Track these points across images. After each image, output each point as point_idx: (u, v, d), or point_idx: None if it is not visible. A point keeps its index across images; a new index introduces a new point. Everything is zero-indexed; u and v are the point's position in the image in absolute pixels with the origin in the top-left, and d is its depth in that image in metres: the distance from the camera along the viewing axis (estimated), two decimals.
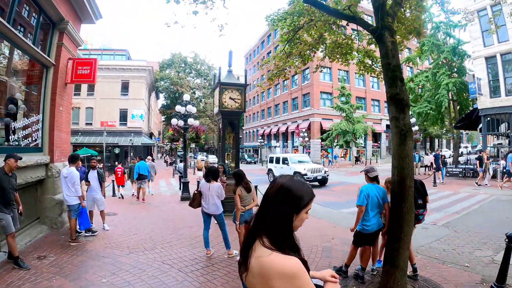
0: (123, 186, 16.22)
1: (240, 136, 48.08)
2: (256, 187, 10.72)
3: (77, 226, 7.50)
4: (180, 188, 18.77)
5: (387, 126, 48.18)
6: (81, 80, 8.93)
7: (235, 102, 10.38)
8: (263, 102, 58.86)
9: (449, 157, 40.70)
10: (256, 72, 55.70)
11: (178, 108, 13.95)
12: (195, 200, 6.53)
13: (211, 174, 6.39)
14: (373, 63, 9.99)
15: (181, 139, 15.76)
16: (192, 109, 13.94)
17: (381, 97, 48.04)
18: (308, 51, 9.10)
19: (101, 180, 8.63)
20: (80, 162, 15.91)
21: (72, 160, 7.38)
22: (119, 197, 15.43)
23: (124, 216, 10.61)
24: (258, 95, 60.02)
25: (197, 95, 52.09)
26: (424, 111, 27.67)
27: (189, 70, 51.30)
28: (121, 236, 7.84)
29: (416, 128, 23.22)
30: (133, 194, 15.56)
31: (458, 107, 28.19)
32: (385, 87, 5.69)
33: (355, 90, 41.93)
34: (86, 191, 8.66)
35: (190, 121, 13.94)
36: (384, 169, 30.70)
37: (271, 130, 53.97)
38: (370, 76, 10.34)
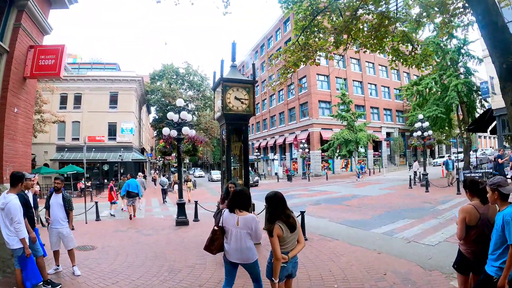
0: (113, 203, 15.66)
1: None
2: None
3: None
4: (164, 201, 20.71)
5: (388, 134, 46.68)
6: (43, 73, 6.82)
7: (242, 103, 8.32)
8: (258, 114, 57.14)
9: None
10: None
11: (170, 115, 11.73)
12: (216, 241, 4.11)
13: (238, 200, 4.07)
14: (413, 49, 8.10)
15: (175, 152, 13.50)
16: (187, 116, 11.75)
17: (380, 105, 46.86)
18: (342, 34, 7.17)
19: (68, 207, 6.35)
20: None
21: (13, 181, 4.85)
22: (112, 215, 15.02)
23: (104, 250, 8.41)
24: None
25: (190, 108, 49.97)
26: (433, 115, 26.11)
27: (182, 81, 49.20)
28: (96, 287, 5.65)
29: (430, 132, 21.46)
30: (122, 209, 15.64)
31: (466, 109, 26.67)
32: (491, 58, 3.75)
33: (353, 98, 40.25)
34: (47, 225, 6.45)
35: (185, 130, 11.69)
36: (390, 178, 29.17)
37: (267, 142, 52.17)
38: (405, 65, 8.41)
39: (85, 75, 38.62)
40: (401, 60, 8.45)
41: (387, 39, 7.75)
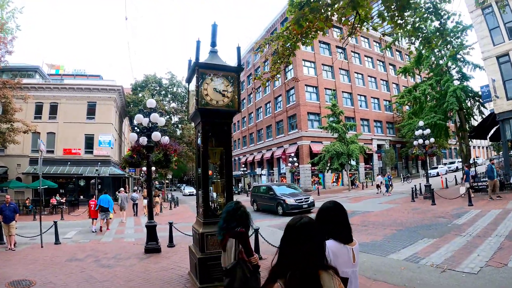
0: (95, 218, 15.88)
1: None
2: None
3: None
4: (134, 214, 22.55)
5: (379, 146, 45.35)
6: None
7: (223, 96, 6.38)
8: (245, 128, 55.45)
9: (445, 173, 37.90)
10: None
11: (139, 118, 9.62)
12: None
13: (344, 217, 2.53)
14: (442, 24, 6.37)
15: (143, 164, 11.32)
16: (158, 119, 9.56)
17: (370, 116, 45.75)
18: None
19: None
20: (8, 197, 11.98)
21: None
22: (93, 231, 15.34)
23: None
24: (238, 120, 56.58)
25: (173, 121, 47.96)
26: (432, 122, 24.63)
27: (165, 92, 47.20)
28: None
29: (432, 140, 19.92)
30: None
31: (464, 116, 25.39)
32: None
33: (343, 110, 38.84)
34: None
35: (155, 135, 9.51)
36: (385, 191, 27.38)
37: (254, 157, 50.22)
38: (427, 48, 6.68)
39: (61, 83, 36.22)
40: (423, 41, 6.73)
41: (409, 12, 6.01)
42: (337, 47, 43.80)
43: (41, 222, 11.78)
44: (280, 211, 18.29)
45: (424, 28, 6.65)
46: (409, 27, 6.49)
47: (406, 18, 6.19)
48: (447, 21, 6.51)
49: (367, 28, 7.53)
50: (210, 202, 6.31)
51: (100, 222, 15.71)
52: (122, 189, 22.96)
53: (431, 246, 8.32)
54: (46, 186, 27.35)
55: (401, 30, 6.67)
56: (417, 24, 6.51)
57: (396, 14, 5.84)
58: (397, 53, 52.46)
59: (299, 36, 7.18)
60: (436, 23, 6.61)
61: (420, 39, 6.82)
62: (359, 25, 7.00)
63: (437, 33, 6.44)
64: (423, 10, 6.32)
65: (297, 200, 18.10)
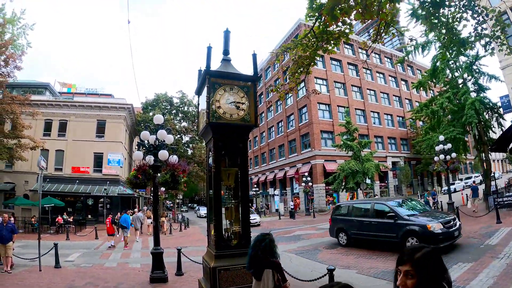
0: (112, 235, 17.85)
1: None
2: None
3: None
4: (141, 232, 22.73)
5: (393, 163, 44.12)
6: None
7: (238, 108, 5.62)
8: (256, 147, 54.87)
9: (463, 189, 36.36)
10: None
11: (145, 135, 8.83)
12: None
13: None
14: (480, 22, 5.62)
15: (150, 184, 10.41)
16: (166, 136, 8.86)
17: (384, 133, 44.73)
18: None
19: None
20: (6, 215, 11.30)
21: None
22: (109, 247, 16.89)
23: None
24: (250, 140, 55.89)
25: (184, 141, 47.26)
26: (451, 136, 23.61)
27: (176, 111, 46.68)
28: None
29: (454, 155, 19.01)
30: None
31: (482, 129, 24.38)
32: None
33: (357, 127, 38.04)
34: None
35: (162, 154, 8.59)
36: None
37: (266, 177, 49.38)
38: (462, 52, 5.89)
39: (71, 100, 36.01)
40: (457, 45, 5.98)
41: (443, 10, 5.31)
42: (348, 63, 43.48)
43: (39, 244, 11.00)
44: None
45: (457, 28, 5.91)
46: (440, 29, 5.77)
47: (440, 16, 5.47)
48: (486, 19, 5.72)
49: (393, 33, 6.85)
50: (224, 231, 5.46)
51: (123, 238, 17.69)
52: (136, 209, 25.46)
53: (468, 272, 7.48)
54: (53, 204, 26.81)
55: (434, 32, 5.95)
56: (450, 25, 5.77)
57: (431, 11, 5.12)
58: (409, 68, 51.70)
59: (319, 43, 6.51)
60: (473, 22, 5.84)
61: (453, 41, 6.06)
62: (384, 30, 6.32)
63: (475, 33, 5.68)
64: (458, 8, 5.57)
65: (446, 224, 10.31)
